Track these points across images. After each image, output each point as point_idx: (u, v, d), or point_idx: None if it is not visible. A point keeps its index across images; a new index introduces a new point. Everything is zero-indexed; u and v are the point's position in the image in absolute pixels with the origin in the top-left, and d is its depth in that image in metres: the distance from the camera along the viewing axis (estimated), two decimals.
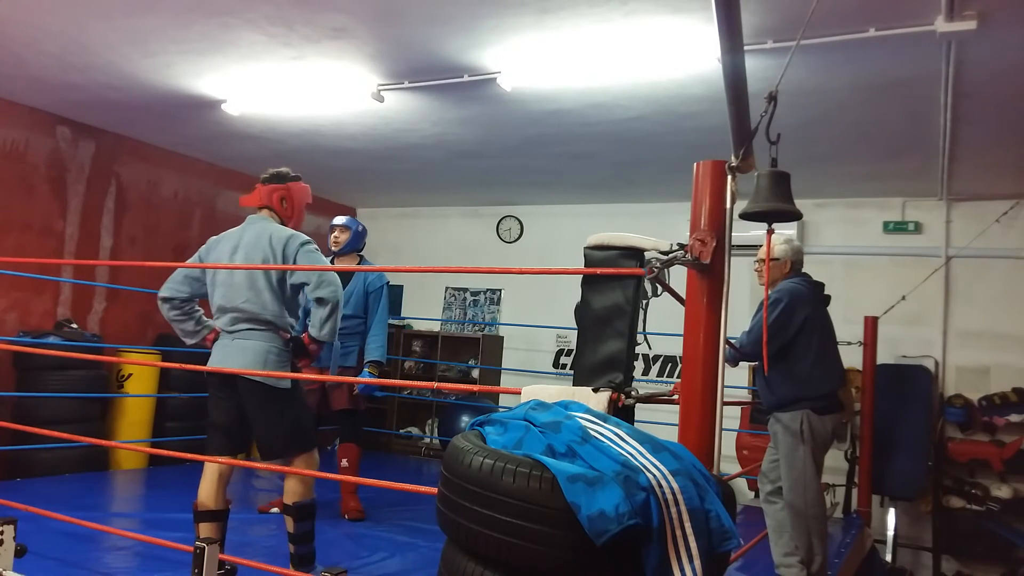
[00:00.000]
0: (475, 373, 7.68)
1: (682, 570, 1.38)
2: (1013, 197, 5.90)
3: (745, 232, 4.09)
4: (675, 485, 1.43)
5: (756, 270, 4.11)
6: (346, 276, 4.54)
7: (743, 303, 5.78)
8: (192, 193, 7.03)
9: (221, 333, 3.21)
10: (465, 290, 8.15)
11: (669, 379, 6.95)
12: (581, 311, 2.31)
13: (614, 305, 2.23)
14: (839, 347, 3.86)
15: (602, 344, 2.22)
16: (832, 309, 3.91)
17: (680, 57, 3.89)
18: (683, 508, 1.42)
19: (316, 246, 3.27)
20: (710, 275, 1.95)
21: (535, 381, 4.13)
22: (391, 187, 7.60)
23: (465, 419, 6.87)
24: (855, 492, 5.53)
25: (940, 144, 4.77)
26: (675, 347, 2.34)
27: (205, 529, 3.07)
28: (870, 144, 5.09)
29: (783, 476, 3.63)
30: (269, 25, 3.93)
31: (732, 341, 3.57)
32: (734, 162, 1.95)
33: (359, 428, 4.77)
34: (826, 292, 3.87)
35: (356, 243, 4.71)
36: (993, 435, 5.72)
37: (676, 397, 2.03)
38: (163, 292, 3.33)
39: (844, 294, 5.66)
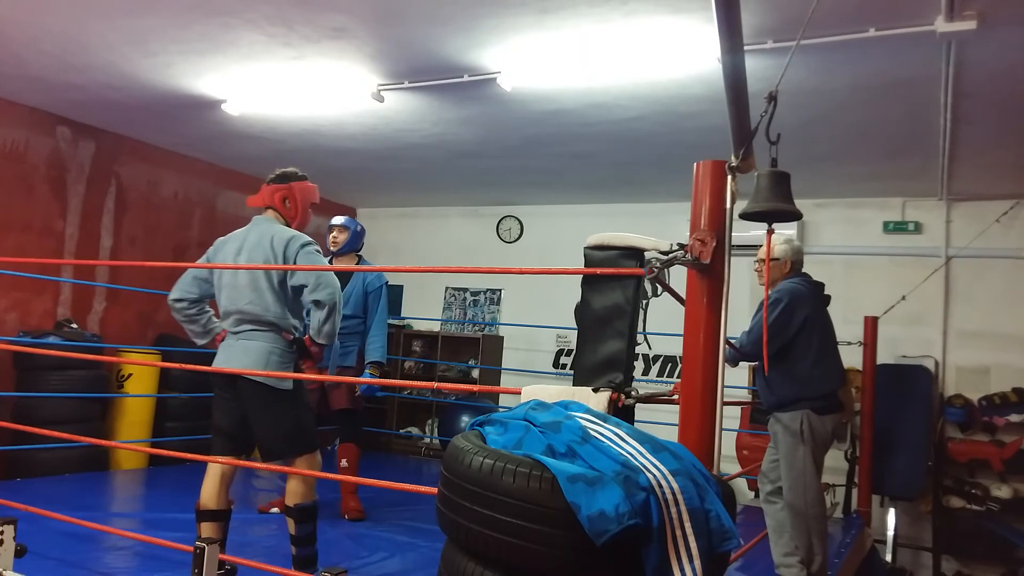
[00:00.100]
0: (475, 373, 7.68)
1: (682, 570, 1.38)
2: (1013, 197, 5.90)
3: (745, 232, 4.09)
4: (675, 485, 1.43)
5: (756, 270, 4.11)
6: (345, 276, 4.53)
7: (743, 303, 5.78)
8: (192, 193, 7.03)
9: (227, 334, 3.22)
10: (465, 290, 8.15)
11: (669, 379, 6.95)
12: (581, 311, 2.31)
13: (614, 305, 2.23)
14: (839, 347, 3.86)
15: (602, 344, 2.22)
16: (832, 309, 3.91)
17: (680, 57, 3.89)
18: (683, 508, 1.42)
19: (317, 247, 3.27)
20: (710, 275, 1.95)
21: (535, 381, 4.13)
22: (391, 187, 7.60)
23: (465, 419, 6.87)
24: (855, 492, 5.53)
25: (940, 144, 4.77)
26: (675, 347, 2.34)
27: (207, 529, 3.07)
28: (870, 144, 5.09)
29: (783, 476, 3.63)
30: (269, 25, 3.93)
31: (732, 341, 3.57)
32: (734, 162, 1.95)
33: (359, 428, 4.77)
34: (826, 292, 3.87)
35: (355, 243, 4.71)
36: (993, 435, 5.72)
37: (676, 397, 2.03)
38: (173, 294, 3.35)
39: (844, 294, 5.66)
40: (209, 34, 4.10)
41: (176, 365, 5.05)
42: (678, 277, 2.10)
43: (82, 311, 6.15)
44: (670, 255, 2.01)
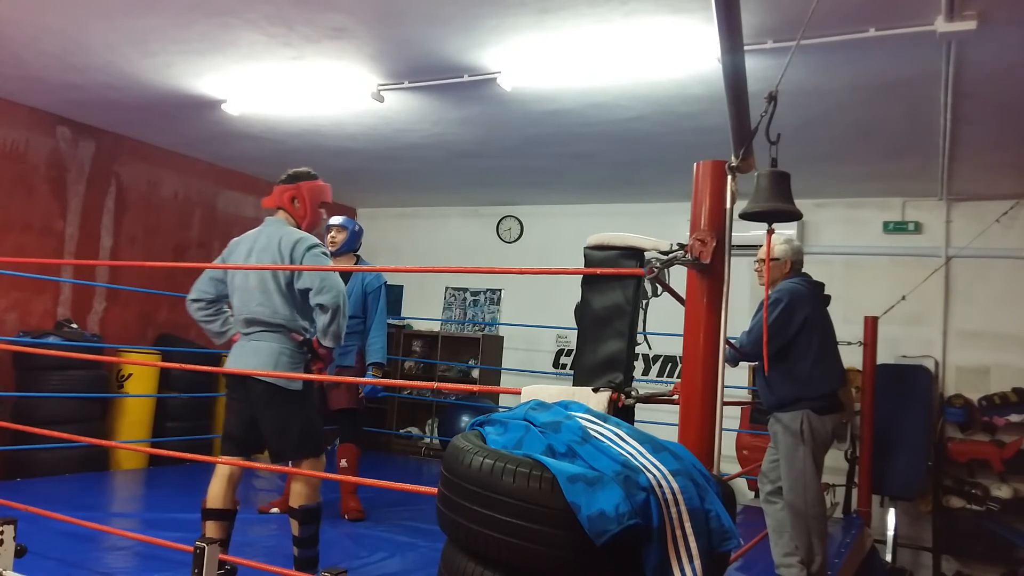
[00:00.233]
0: (475, 373, 7.68)
1: (682, 570, 1.38)
2: (1013, 197, 5.90)
3: (745, 232, 4.09)
4: (675, 485, 1.43)
5: (756, 270, 4.11)
6: (343, 276, 4.53)
7: (743, 303, 5.78)
8: (192, 193, 7.03)
9: (239, 336, 3.24)
10: (465, 290, 8.15)
11: (669, 379, 6.95)
12: (581, 311, 2.31)
13: (614, 305, 2.23)
14: (839, 347, 3.86)
15: (602, 344, 2.22)
16: (832, 309, 3.91)
17: (680, 57, 3.89)
18: (683, 508, 1.42)
19: (324, 249, 3.26)
20: (710, 275, 1.95)
21: (535, 381, 4.13)
22: (391, 187, 7.60)
23: (465, 419, 6.87)
24: (855, 492, 5.53)
25: (940, 144, 4.77)
26: (675, 347, 2.34)
27: (211, 527, 3.07)
28: (870, 144, 5.09)
29: (783, 476, 3.63)
30: (269, 25, 3.93)
31: (732, 341, 3.57)
32: (734, 162, 1.95)
33: (359, 428, 4.77)
34: (826, 292, 3.87)
35: (353, 243, 4.70)
36: (993, 435, 5.72)
37: (676, 397, 2.03)
38: (191, 294, 3.36)
39: (844, 294, 5.66)
40: (209, 34, 4.10)
41: (176, 365, 5.06)
42: (678, 277, 2.10)
43: (82, 311, 6.15)
44: (670, 255, 2.01)
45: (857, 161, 5.48)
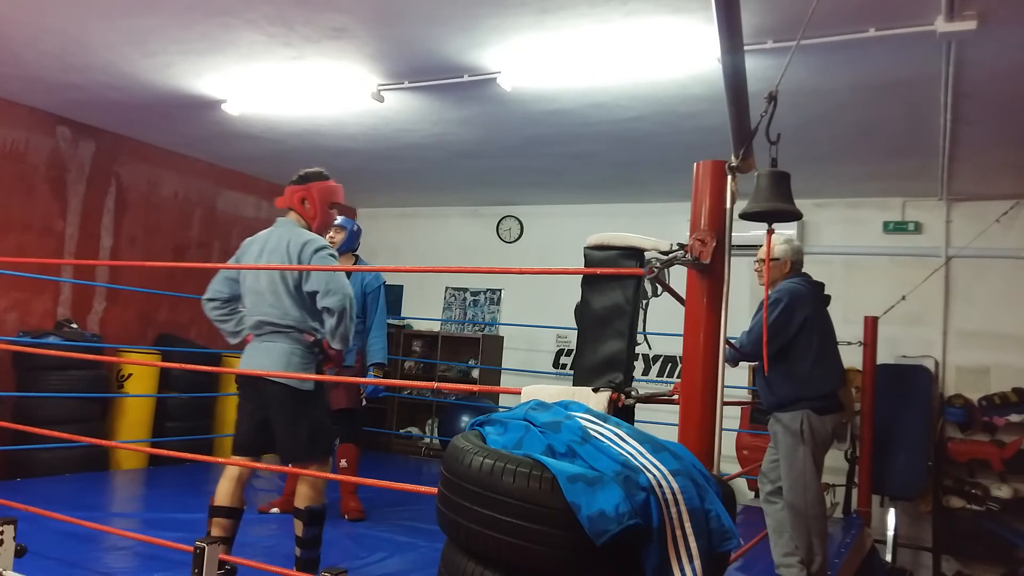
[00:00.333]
0: (475, 373, 7.68)
1: (682, 570, 1.38)
2: (1013, 197, 5.90)
3: (745, 232, 4.09)
4: (675, 485, 1.43)
5: (756, 270, 4.11)
6: None
7: (743, 303, 5.78)
8: (192, 193, 7.03)
9: (252, 337, 3.25)
10: (465, 290, 8.15)
11: (669, 379, 6.95)
12: (581, 311, 2.31)
13: (614, 305, 2.24)
14: (839, 347, 3.86)
15: (602, 344, 2.22)
16: (832, 309, 3.91)
17: (680, 57, 3.89)
18: (683, 508, 1.42)
19: (333, 251, 3.26)
20: (710, 275, 1.95)
21: (535, 381, 4.13)
22: (391, 187, 7.60)
23: (465, 419, 6.87)
24: (855, 492, 5.53)
25: (940, 144, 4.77)
26: (675, 347, 2.34)
27: (217, 525, 3.08)
28: (870, 144, 5.09)
29: (783, 476, 3.63)
30: (269, 25, 3.93)
31: (732, 341, 3.57)
32: (734, 162, 1.95)
33: (359, 428, 4.77)
34: (826, 292, 3.87)
35: (351, 243, 4.70)
36: (993, 435, 5.72)
37: (676, 397, 2.03)
38: (206, 293, 3.38)
39: (844, 294, 5.65)
40: (209, 34, 4.10)
41: (176, 365, 5.06)
42: (678, 277, 2.10)
43: (82, 311, 6.15)
44: (670, 255, 2.01)
45: (857, 161, 5.48)
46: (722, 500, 1.50)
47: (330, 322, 3.11)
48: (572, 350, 6.11)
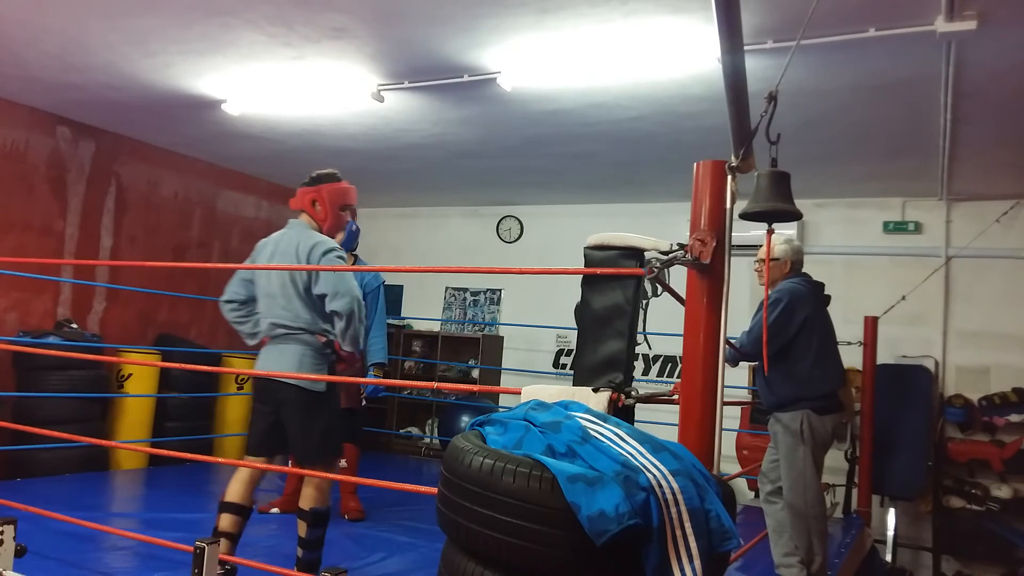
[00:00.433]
0: (475, 373, 7.68)
1: (682, 570, 1.38)
2: (1013, 197, 5.90)
3: (745, 232, 4.09)
4: (675, 485, 1.43)
5: (756, 270, 4.11)
6: None
7: (743, 303, 5.78)
8: (192, 193, 7.03)
9: (267, 340, 3.28)
10: (465, 290, 8.15)
11: (669, 379, 6.95)
12: (581, 311, 2.31)
13: (614, 305, 2.24)
14: (839, 347, 3.86)
15: (602, 344, 2.22)
16: (832, 309, 3.91)
17: (680, 57, 3.89)
18: (683, 508, 1.42)
19: (341, 253, 3.26)
20: (710, 275, 1.95)
21: (535, 381, 4.13)
22: (391, 187, 7.60)
23: (465, 419, 6.87)
24: (855, 492, 5.53)
25: (940, 144, 4.77)
26: (675, 347, 2.34)
27: (226, 520, 3.09)
28: (870, 144, 5.09)
29: (783, 476, 3.63)
30: (269, 25, 3.93)
31: (732, 341, 3.57)
32: (734, 162, 1.95)
33: (358, 428, 4.77)
34: (826, 292, 3.87)
35: (350, 243, 4.69)
36: (993, 435, 5.72)
37: (676, 397, 2.03)
38: (224, 295, 3.40)
39: (844, 294, 5.66)
40: (209, 34, 4.10)
41: (176, 365, 5.07)
42: (678, 277, 2.10)
43: (82, 311, 6.15)
44: (670, 255, 2.01)
45: (857, 161, 5.48)
46: (722, 500, 1.50)
47: (339, 325, 3.13)
48: (572, 350, 6.11)
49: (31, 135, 5.75)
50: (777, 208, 2.00)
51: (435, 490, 1.68)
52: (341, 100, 4.96)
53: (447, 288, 8.24)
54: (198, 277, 6.99)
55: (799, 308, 3.62)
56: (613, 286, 2.25)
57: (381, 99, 4.74)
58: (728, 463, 5.89)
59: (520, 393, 2.22)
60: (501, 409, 6.21)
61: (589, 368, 2.22)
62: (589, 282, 2.31)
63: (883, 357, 5.77)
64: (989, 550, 5.61)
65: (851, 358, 4.97)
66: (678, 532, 1.40)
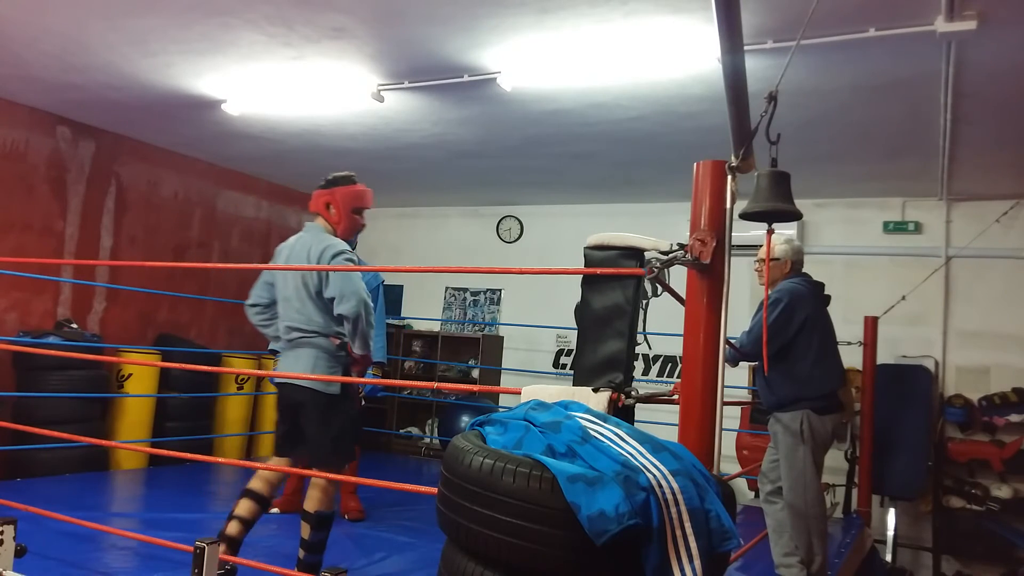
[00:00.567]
0: (475, 373, 7.68)
1: (682, 570, 1.38)
2: (1013, 197, 5.90)
3: (745, 232, 4.09)
4: (675, 485, 1.43)
5: (756, 270, 4.11)
6: None
7: (743, 303, 5.78)
8: (192, 193, 7.03)
9: (285, 343, 3.31)
10: (465, 290, 8.15)
11: (669, 379, 6.95)
12: (581, 311, 2.31)
13: (614, 305, 2.24)
14: (839, 347, 3.86)
15: (602, 344, 2.22)
16: (832, 309, 3.91)
17: (680, 57, 3.89)
18: (683, 508, 1.42)
19: (350, 256, 3.27)
20: (710, 275, 1.95)
21: (535, 381, 4.13)
22: (391, 187, 7.60)
23: (465, 419, 6.87)
24: (855, 492, 5.53)
25: (940, 144, 4.77)
26: (675, 347, 2.34)
27: (244, 505, 3.12)
28: (870, 144, 5.09)
29: (783, 476, 3.63)
30: (269, 25, 3.93)
31: (732, 341, 3.57)
32: (734, 162, 1.95)
33: (358, 428, 4.76)
34: (826, 292, 3.87)
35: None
36: (993, 435, 5.72)
37: (676, 397, 2.03)
38: (250, 299, 3.44)
39: (844, 294, 5.66)
40: (209, 34, 4.10)
41: (176, 365, 5.06)
42: (678, 277, 2.10)
43: (82, 311, 6.15)
44: (670, 255, 2.01)
45: (857, 161, 5.48)
46: (722, 500, 1.50)
47: (347, 327, 3.15)
48: (572, 350, 6.11)
49: (31, 135, 5.74)
50: (777, 208, 2.00)
51: (435, 490, 1.68)
52: (341, 100, 4.96)
53: (447, 288, 8.24)
54: (198, 277, 6.99)
55: (799, 308, 3.62)
56: (613, 286, 2.25)
57: (381, 99, 4.74)
58: (728, 463, 5.89)
59: (520, 393, 2.22)
60: (501, 409, 6.21)
61: (589, 368, 2.22)
62: (589, 282, 2.31)
63: (883, 357, 5.77)
64: (989, 550, 5.61)
65: (851, 358, 4.97)
66: (678, 532, 1.40)
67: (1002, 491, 5.53)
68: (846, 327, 4.95)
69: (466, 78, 4.36)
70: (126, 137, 6.38)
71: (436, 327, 8.07)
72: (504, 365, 7.73)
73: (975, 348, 5.99)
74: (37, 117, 5.77)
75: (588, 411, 1.72)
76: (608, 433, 1.58)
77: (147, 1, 3.75)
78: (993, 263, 5.98)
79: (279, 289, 3.30)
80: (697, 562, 1.39)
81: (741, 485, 6.17)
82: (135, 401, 5.92)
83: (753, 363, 5.20)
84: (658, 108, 4.68)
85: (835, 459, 5.30)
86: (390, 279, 7.94)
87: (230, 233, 7.39)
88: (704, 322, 1.95)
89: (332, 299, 3.15)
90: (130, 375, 5.93)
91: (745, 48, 1.93)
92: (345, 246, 3.29)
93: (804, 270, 3.88)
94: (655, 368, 7.06)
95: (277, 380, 3.26)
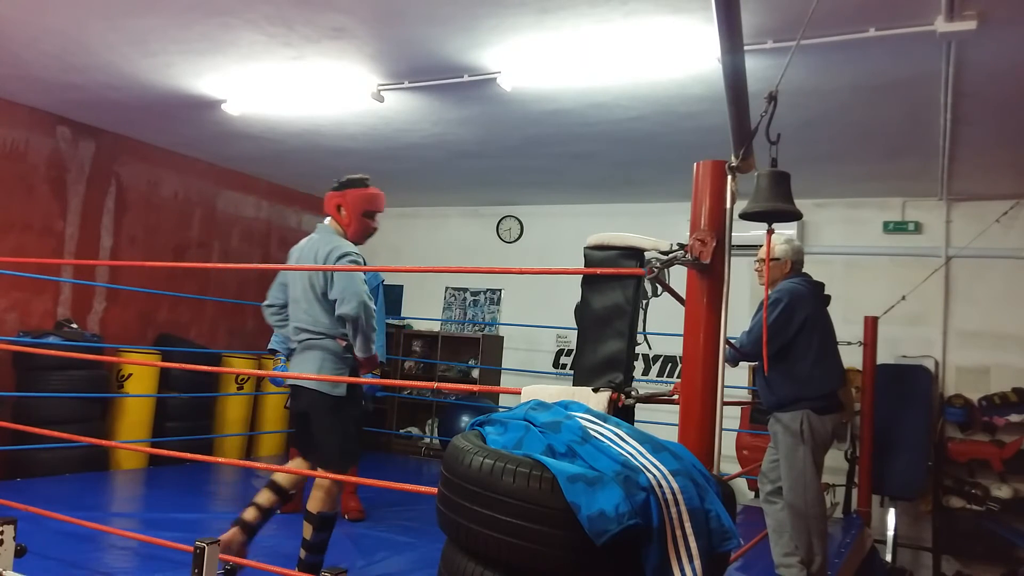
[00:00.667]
0: (475, 373, 7.68)
1: (682, 570, 1.38)
2: (1013, 197, 5.90)
3: (745, 232, 4.09)
4: (675, 485, 1.43)
5: (756, 270, 4.11)
6: None
7: (743, 303, 5.78)
8: (192, 193, 7.03)
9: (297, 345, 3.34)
10: (465, 290, 8.15)
11: (669, 379, 6.95)
12: (581, 311, 2.31)
13: (614, 305, 2.24)
14: (839, 347, 3.86)
15: (602, 344, 2.22)
16: (832, 309, 3.91)
17: (680, 57, 3.89)
18: (683, 508, 1.42)
19: (355, 258, 3.27)
20: (710, 275, 1.95)
21: (535, 381, 4.13)
22: (391, 187, 7.53)
23: (465, 419, 6.87)
24: (855, 492, 5.53)
25: (940, 144, 4.77)
26: (675, 347, 2.34)
27: (264, 494, 3.19)
28: (870, 144, 5.09)
29: (783, 476, 3.63)
30: (269, 25, 3.93)
31: (732, 341, 3.57)
32: (734, 162, 1.95)
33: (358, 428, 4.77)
34: (826, 292, 3.87)
35: None
36: (993, 435, 5.72)
37: (676, 397, 2.03)
38: (266, 300, 3.48)
39: (844, 294, 5.65)
40: (209, 34, 4.10)
41: (176, 365, 5.06)
42: (678, 277, 2.10)
43: (82, 311, 6.15)
44: (670, 255, 2.01)
45: (857, 161, 5.48)
46: (722, 500, 1.50)
47: (349, 329, 3.17)
48: (572, 350, 6.11)
49: (31, 135, 5.74)
50: (777, 208, 2.00)
51: (435, 490, 1.68)
52: (341, 100, 4.96)
53: (447, 288, 8.24)
54: (198, 277, 6.98)
55: (799, 308, 3.62)
56: (613, 286, 2.25)
57: (381, 99, 4.74)
58: (728, 463, 5.89)
59: (520, 393, 2.22)
60: (501, 409, 6.21)
61: (589, 368, 2.22)
62: (589, 282, 2.31)
63: (883, 357, 5.77)
64: (989, 550, 5.61)
65: (851, 358, 4.97)
66: (678, 532, 1.40)
67: (1002, 491, 5.53)
68: (846, 327, 4.95)
69: (466, 78, 4.36)
70: (126, 137, 6.38)
71: (436, 327, 8.07)
72: (504, 365, 7.73)
73: (975, 348, 5.99)
74: (37, 117, 5.77)
75: (588, 411, 1.72)
76: (608, 433, 1.58)
77: (147, 1, 3.75)
78: (993, 263, 5.98)
79: (290, 290, 3.33)
80: (697, 562, 1.39)
81: (741, 485, 6.17)
82: (135, 401, 5.92)
83: (753, 363, 5.20)
84: (658, 108, 4.68)
85: (835, 459, 5.30)
86: (390, 279, 7.94)
87: (230, 233, 7.39)
88: (704, 322, 1.95)
89: (335, 301, 3.17)
90: (130, 375, 5.93)
91: (745, 48, 1.93)
92: (351, 247, 3.29)
93: (804, 270, 3.88)
94: (655, 368, 7.06)
95: (290, 382, 3.29)
